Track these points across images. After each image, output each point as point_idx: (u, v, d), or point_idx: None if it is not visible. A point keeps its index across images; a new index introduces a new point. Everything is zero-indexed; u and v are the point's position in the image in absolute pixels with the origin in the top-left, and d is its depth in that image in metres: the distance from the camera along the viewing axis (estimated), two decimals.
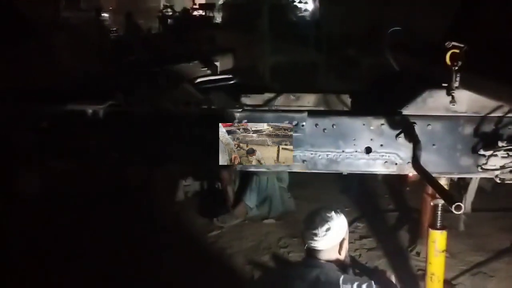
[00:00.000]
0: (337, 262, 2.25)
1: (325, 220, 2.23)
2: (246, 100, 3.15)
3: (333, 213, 2.27)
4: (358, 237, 4.47)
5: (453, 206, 1.63)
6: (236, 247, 4.31)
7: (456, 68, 2.11)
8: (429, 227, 2.76)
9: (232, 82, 2.63)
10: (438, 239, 2.71)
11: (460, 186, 3.23)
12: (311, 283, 2.13)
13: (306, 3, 13.47)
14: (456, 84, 2.22)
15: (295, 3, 13.41)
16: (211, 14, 16.24)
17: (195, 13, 16.64)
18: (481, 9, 2.63)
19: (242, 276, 3.81)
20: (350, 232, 4.57)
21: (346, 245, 2.31)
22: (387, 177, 5.44)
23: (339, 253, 2.26)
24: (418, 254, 4.14)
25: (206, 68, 2.58)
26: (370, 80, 3.22)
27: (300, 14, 12.99)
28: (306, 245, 2.26)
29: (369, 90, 3.18)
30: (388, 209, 5.21)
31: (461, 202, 1.65)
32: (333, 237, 2.22)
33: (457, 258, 4.07)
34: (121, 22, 14.53)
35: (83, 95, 2.39)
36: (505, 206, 4.79)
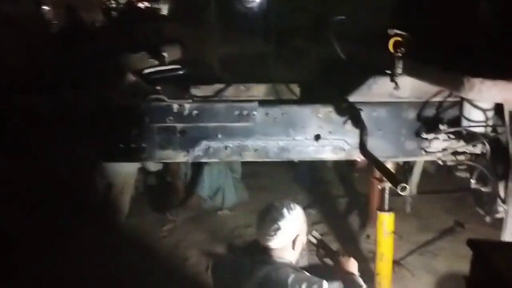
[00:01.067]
0: (292, 258, 2.20)
1: (275, 220, 2.12)
2: (196, 91, 3.13)
3: (284, 211, 2.15)
4: (311, 223, 4.54)
5: (399, 187, 1.71)
6: (190, 240, 4.28)
7: (399, 55, 2.19)
8: (377, 210, 2.87)
9: (181, 72, 2.60)
10: (386, 221, 2.82)
11: (405, 169, 3.35)
12: (260, 280, 2.07)
13: None
14: (399, 71, 2.29)
15: None
16: (156, 6, 15.98)
17: (140, 5, 16.30)
18: None
19: (197, 268, 3.80)
20: None
21: (302, 239, 2.23)
22: (337, 164, 5.58)
23: (293, 249, 2.19)
24: (368, 237, 4.27)
25: (153, 59, 2.54)
26: (318, 69, 3.27)
27: (249, 5, 13.00)
28: (260, 242, 2.18)
29: (317, 79, 3.24)
30: (338, 195, 5.34)
31: (406, 184, 1.73)
32: (284, 237, 2.13)
33: (404, 239, 4.23)
34: (62, 15, 14.04)
35: (29, 89, 2.30)
36: (447, 188, 5.01)
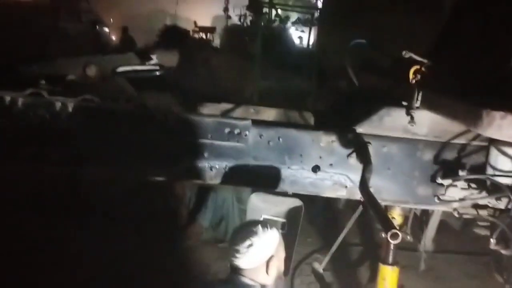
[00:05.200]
0: (264, 282, 1.97)
1: (248, 236, 1.93)
2: (203, 109, 2.92)
3: (259, 227, 1.95)
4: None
5: (389, 233, 1.39)
6: (182, 272, 3.94)
7: (414, 81, 1.91)
8: (380, 262, 2.49)
9: (158, 73, 2.38)
10: (388, 276, 2.43)
11: (422, 221, 2.98)
12: None
13: (302, 31, 13.99)
14: (417, 103, 2.01)
15: (290, 32, 13.87)
16: (210, 38, 16.66)
17: (196, 35, 16.87)
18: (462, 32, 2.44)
19: None
20: (307, 263, 4.32)
21: (277, 264, 1.99)
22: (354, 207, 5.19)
23: (267, 273, 1.96)
24: None
25: (141, 61, 2.33)
26: (334, 97, 3.01)
27: (296, 43, 13.44)
28: (229, 261, 1.97)
29: (332, 108, 2.97)
30: (352, 243, 4.93)
31: (399, 231, 1.41)
32: (256, 255, 1.93)
33: None
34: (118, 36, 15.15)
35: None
36: (473, 249, 4.53)
